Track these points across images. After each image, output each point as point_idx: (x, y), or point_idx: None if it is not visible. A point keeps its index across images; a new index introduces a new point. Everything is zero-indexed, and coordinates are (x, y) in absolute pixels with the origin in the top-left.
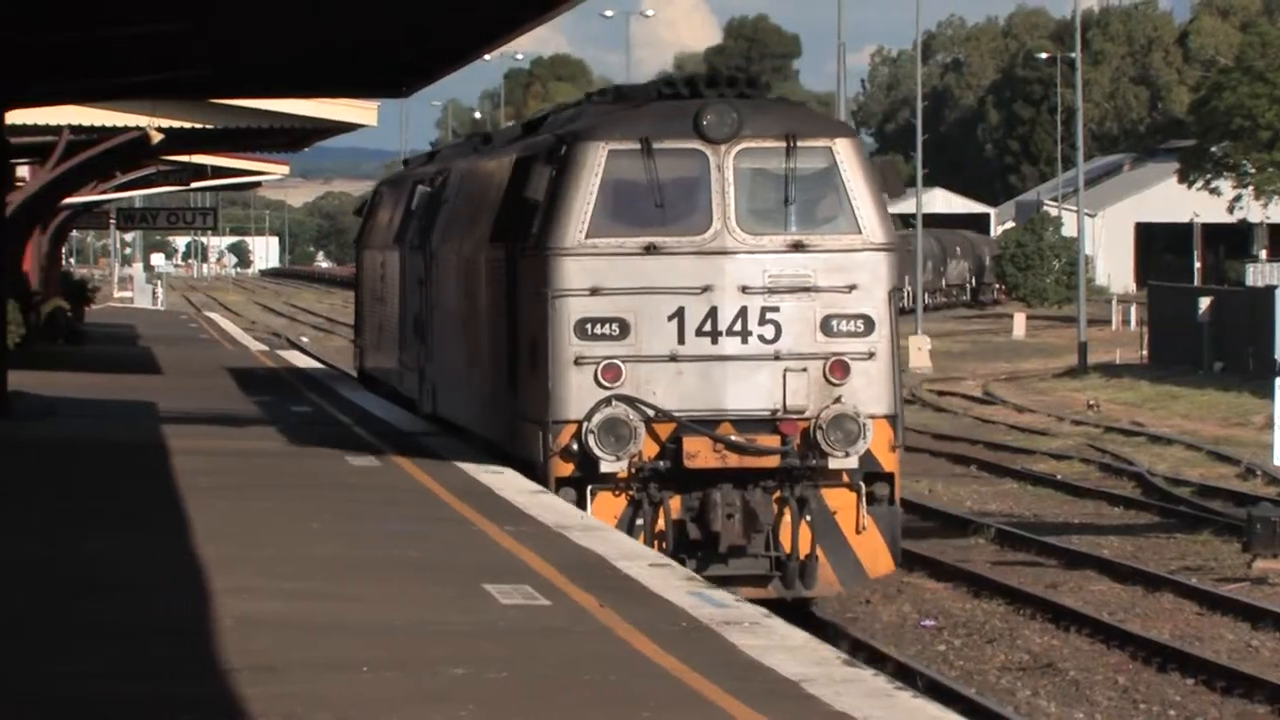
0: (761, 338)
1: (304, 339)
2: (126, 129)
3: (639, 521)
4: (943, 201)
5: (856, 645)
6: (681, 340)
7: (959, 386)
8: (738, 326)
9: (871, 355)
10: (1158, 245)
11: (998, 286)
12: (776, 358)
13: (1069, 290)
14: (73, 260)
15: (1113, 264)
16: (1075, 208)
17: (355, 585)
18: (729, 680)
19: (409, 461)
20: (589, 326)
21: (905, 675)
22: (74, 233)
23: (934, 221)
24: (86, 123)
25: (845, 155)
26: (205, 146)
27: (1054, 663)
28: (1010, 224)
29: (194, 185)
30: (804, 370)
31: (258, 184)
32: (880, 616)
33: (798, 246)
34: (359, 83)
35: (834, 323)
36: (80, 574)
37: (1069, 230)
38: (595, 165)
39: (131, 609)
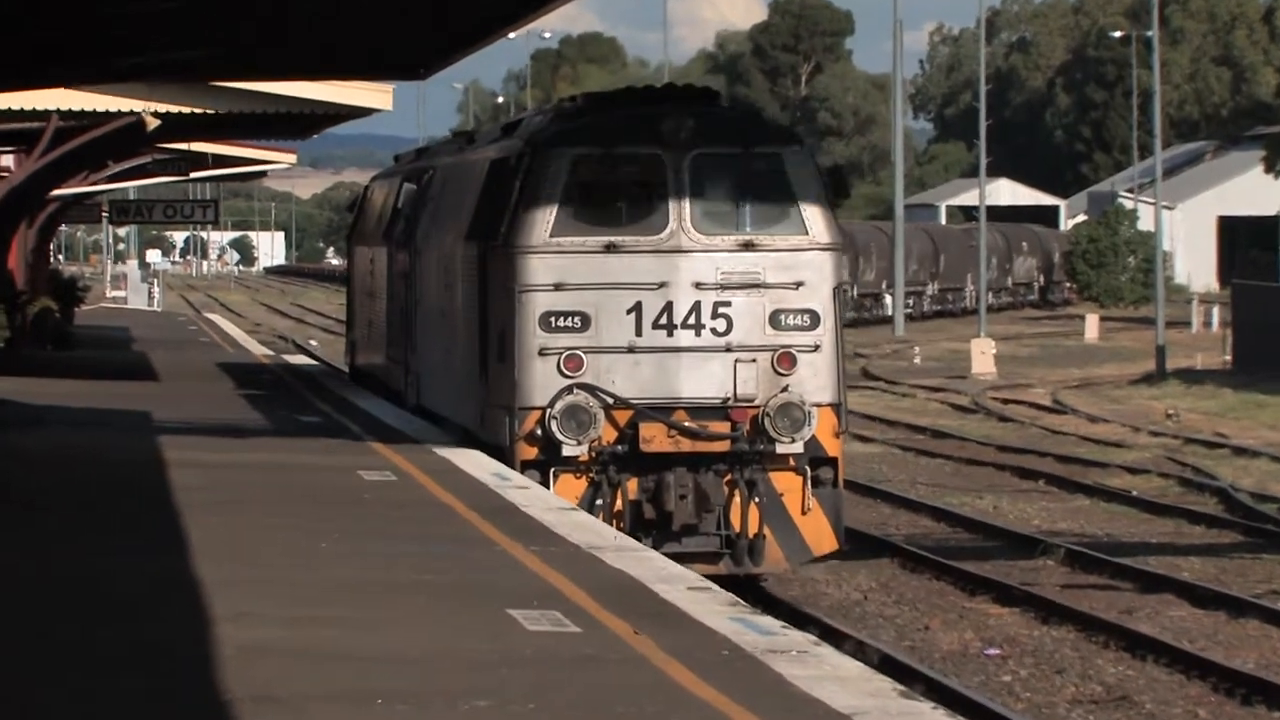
0: (714, 330)
1: (312, 342)
2: (120, 114)
3: (599, 501)
4: (1008, 193)
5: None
6: (639, 333)
7: (1026, 394)
8: (692, 320)
9: (817, 348)
10: (1242, 240)
11: (1068, 285)
12: (728, 349)
13: (1146, 290)
14: (61, 257)
15: (1193, 261)
16: (1152, 200)
17: (368, 610)
18: (775, 713)
19: (427, 475)
20: (553, 319)
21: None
22: (63, 227)
23: (998, 215)
24: (77, 107)
25: (793, 162)
26: (205, 133)
27: (1129, 695)
28: (1082, 217)
29: (193, 176)
30: (753, 361)
31: (262, 174)
32: (940, 644)
33: (748, 246)
34: (373, 64)
35: (782, 317)
36: (68, 596)
37: (1146, 224)
38: (560, 169)
39: (123, 633)
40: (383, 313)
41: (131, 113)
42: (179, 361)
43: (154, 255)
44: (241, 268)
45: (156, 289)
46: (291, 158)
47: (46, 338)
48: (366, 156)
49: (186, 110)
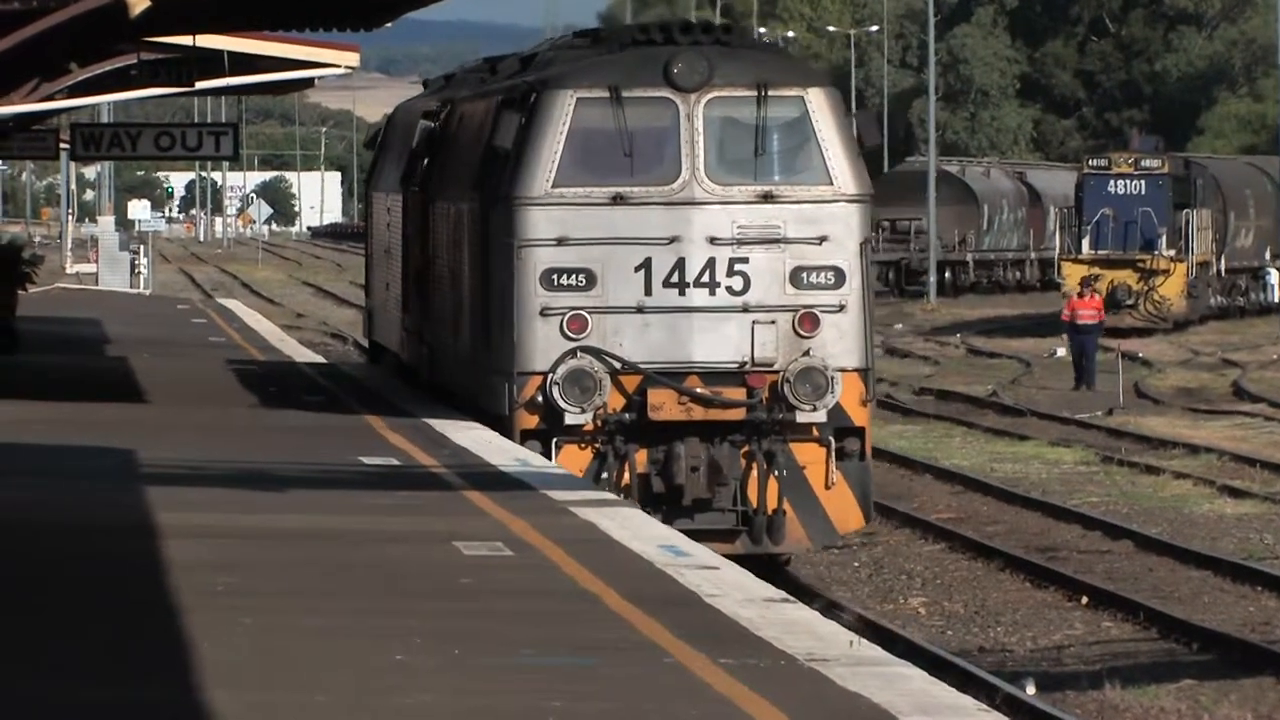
0: (730, 289)
1: None
2: None
3: (604, 475)
4: None
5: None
6: (649, 291)
7: None
8: (705, 278)
9: (842, 308)
10: None
11: None
12: (745, 309)
13: None
14: None
15: None
16: None
17: None
18: None
19: (557, 546)
20: (555, 277)
21: None
22: (0, 165)
23: None
24: None
25: (818, 105)
26: (220, 22)
27: None
28: None
29: (201, 87)
30: (772, 322)
31: (309, 84)
32: None
33: (768, 197)
34: None
35: (804, 275)
36: None
37: None
38: (563, 114)
39: None
40: (399, 274)
41: None
42: (179, 373)
43: (140, 209)
44: (274, 228)
45: (144, 261)
46: (352, 58)
47: None
48: (468, 53)
49: None
